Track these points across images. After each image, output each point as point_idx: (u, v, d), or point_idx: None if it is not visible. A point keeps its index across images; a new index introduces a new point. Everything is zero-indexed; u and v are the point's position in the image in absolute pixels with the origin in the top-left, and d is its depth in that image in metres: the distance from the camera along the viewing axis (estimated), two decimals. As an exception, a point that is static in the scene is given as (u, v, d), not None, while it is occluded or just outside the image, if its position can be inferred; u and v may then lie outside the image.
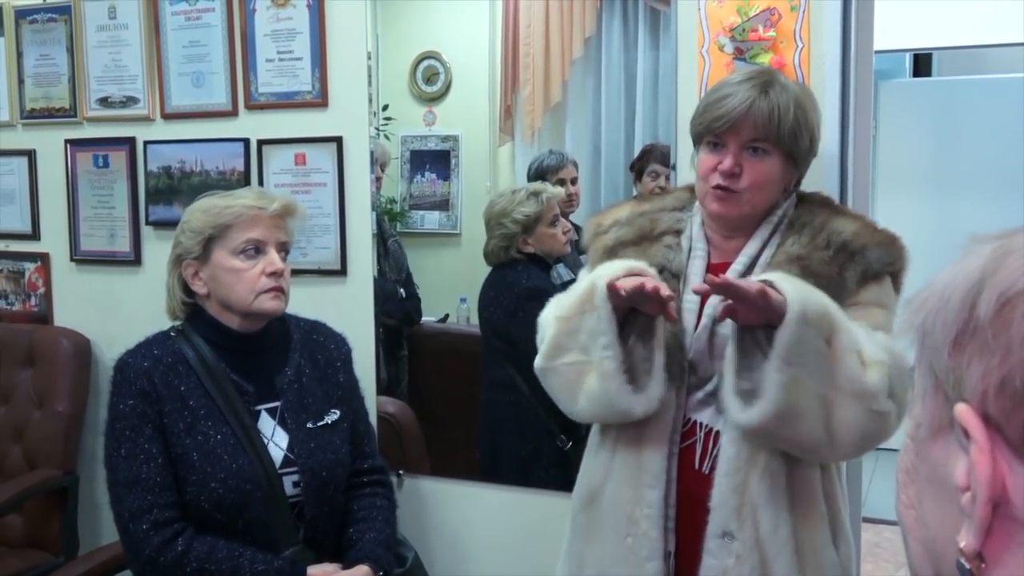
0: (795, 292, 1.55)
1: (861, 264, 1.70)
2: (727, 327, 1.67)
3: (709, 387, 1.73)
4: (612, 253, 1.82)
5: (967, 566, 0.54)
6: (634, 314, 1.70)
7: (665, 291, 1.59)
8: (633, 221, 1.85)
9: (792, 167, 1.75)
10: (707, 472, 1.71)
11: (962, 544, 0.54)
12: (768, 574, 1.66)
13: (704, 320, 1.73)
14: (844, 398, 1.57)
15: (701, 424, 1.74)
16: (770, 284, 1.56)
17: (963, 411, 0.54)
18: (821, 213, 1.77)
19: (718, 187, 1.71)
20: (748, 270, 1.74)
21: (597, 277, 1.70)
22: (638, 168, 2.57)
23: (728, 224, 1.78)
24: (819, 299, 1.57)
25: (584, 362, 1.72)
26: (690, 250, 1.80)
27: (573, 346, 1.73)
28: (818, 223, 1.74)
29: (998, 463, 0.52)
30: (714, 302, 1.70)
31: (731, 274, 1.72)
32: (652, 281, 1.63)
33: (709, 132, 1.73)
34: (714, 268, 1.76)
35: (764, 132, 1.68)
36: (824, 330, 1.55)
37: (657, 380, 1.69)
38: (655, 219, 1.85)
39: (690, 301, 1.75)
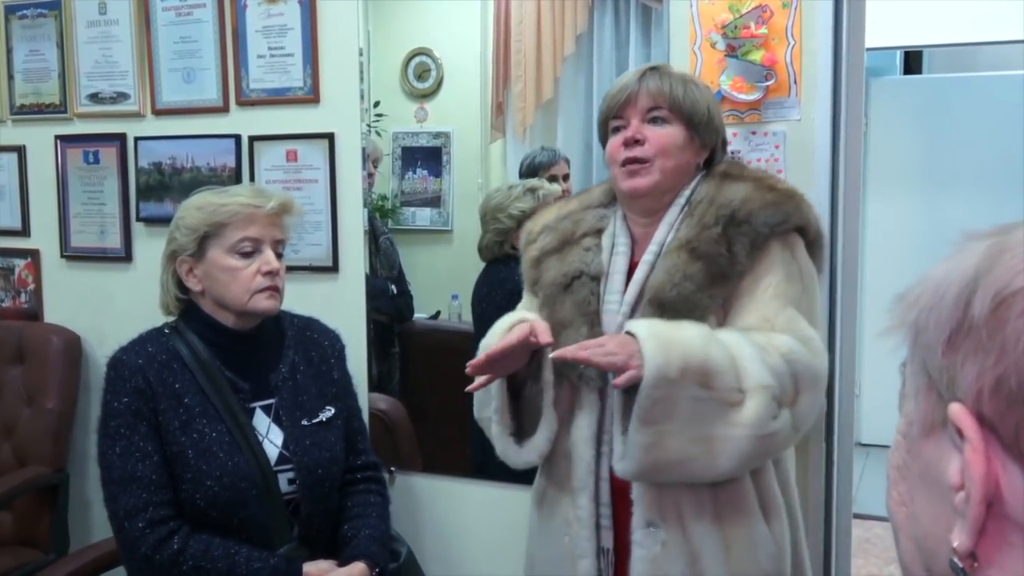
0: (654, 352, 1.56)
1: (749, 234, 1.69)
2: None
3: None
4: (537, 264, 1.87)
5: (960, 565, 0.54)
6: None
7: (517, 336, 1.69)
8: (558, 225, 1.88)
9: (696, 139, 1.77)
10: None
11: (955, 543, 0.54)
12: (696, 558, 1.69)
13: (619, 319, 1.75)
14: (726, 433, 1.60)
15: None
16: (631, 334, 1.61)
17: (957, 411, 0.54)
18: (714, 185, 1.76)
19: (627, 161, 1.75)
20: (657, 259, 1.76)
21: (484, 345, 1.80)
22: None
23: (644, 206, 1.79)
24: (685, 349, 1.58)
25: (487, 419, 1.85)
26: (613, 248, 1.82)
27: (481, 401, 1.86)
28: (709, 197, 1.74)
29: (992, 463, 0.52)
30: (629, 299, 1.75)
31: (643, 266, 1.76)
32: (516, 334, 1.70)
33: (610, 114, 1.79)
34: (635, 264, 1.79)
35: (659, 100, 1.74)
36: (696, 378, 1.58)
37: (544, 426, 1.78)
38: (578, 220, 1.87)
39: (611, 301, 1.78)
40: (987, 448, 0.52)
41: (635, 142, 1.74)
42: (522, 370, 1.79)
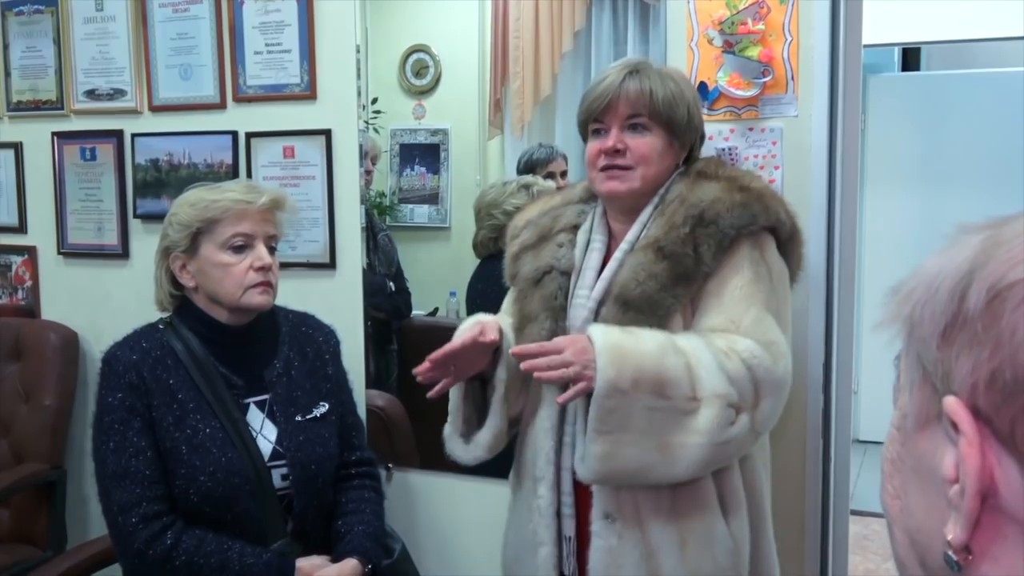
0: (606, 364, 1.58)
1: (715, 235, 1.69)
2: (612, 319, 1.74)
3: None
4: (516, 259, 1.90)
5: (954, 558, 0.54)
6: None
7: (462, 340, 1.75)
8: (539, 221, 1.91)
9: (675, 142, 1.77)
10: None
11: (949, 536, 0.54)
12: (652, 551, 1.71)
13: (586, 314, 1.77)
14: (682, 440, 1.62)
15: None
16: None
17: (952, 404, 0.53)
18: (687, 185, 1.76)
19: (606, 167, 1.76)
20: (627, 255, 1.77)
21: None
22: None
23: (623, 205, 1.81)
24: (639, 360, 1.59)
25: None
26: (588, 243, 1.83)
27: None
28: (680, 197, 1.74)
29: (987, 456, 0.52)
30: (596, 295, 1.77)
31: (613, 263, 1.77)
32: (462, 337, 1.76)
33: (590, 117, 1.79)
34: (608, 262, 1.80)
35: (638, 107, 1.74)
36: (650, 388, 1.59)
37: (489, 422, 1.83)
38: (557, 216, 1.89)
39: (580, 296, 1.80)
40: (982, 441, 0.52)
41: (616, 151, 1.75)
42: (487, 369, 1.83)
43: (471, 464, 1.89)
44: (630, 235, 1.78)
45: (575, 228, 1.86)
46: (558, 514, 1.81)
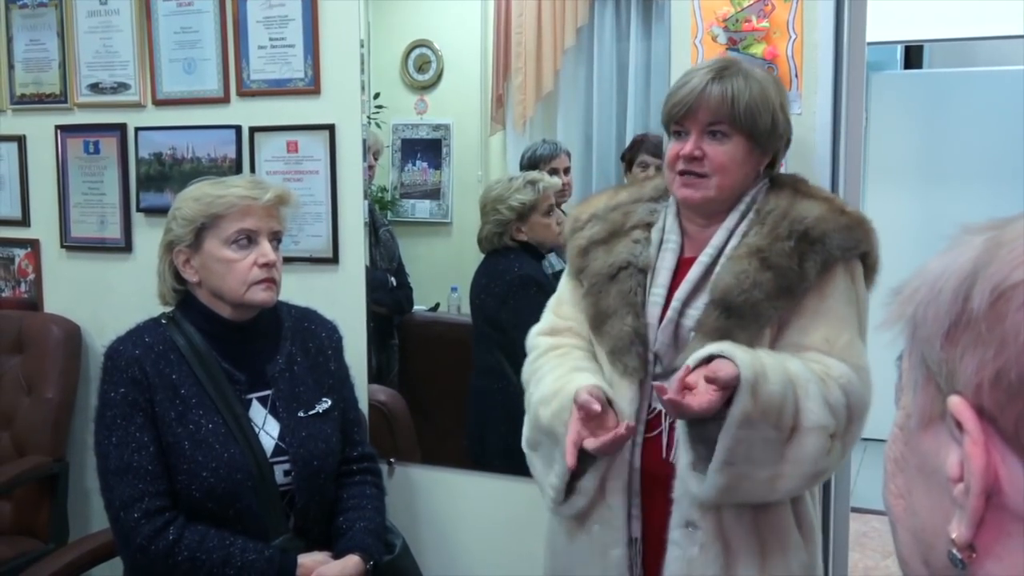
0: (748, 395, 1.54)
1: (821, 253, 1.69)
2: (691, 319, 1.72)
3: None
4: (584, 253, 1.86)
5: (959, 556, 0.54)
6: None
7: (621, 431, 1.64)
8: (607, 216, 1.87)
9: (757, 150, 1.75)
10: (673, 461, 1.73)
11: (954, 535, 0.54)
12: (732, 562, 1.70)
13: (670, 313, 1.75)
14: (788, 471, 1.63)
15: (665, 415, 1.75)
16: (723, 356, 1.58)
17: (957, 403, 0.54)
18: (787, 198, 1.75)
19: (683, 172, 1.74)
20: (714, 261, 1.75)
21: (563, 409, 1.73)
22: (629, 159, 2.57)
23: (699, 210, 1.79)
24: (770, 390, 1.57)
25: (534, 464, 1.85)
26: (661, 242, 1.82)
27: (537, 450, 1.84)
28: (782, 210, 1.73)
29: (991, 455, 0.52)
30: (681, 295, 1.74)
31: (698, 266, 1.75)
32: (602, 437, 1.65)
33: (671, 120, 1.76)
34: (684, 262, 1.79)
35: (720, 114, 1.71)
36: (773, 420, 1.58)
37: (592, 472, 1.75)
38: (628, 212, 1.87)
39: (656, 295, 1.78)
40: (987, 440, 0.53)
41: (693, 159, 1.72)
42: None
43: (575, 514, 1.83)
44: (716, 240, 1.76)
45: (648, 226, 1.83)
46: (627, 516, 1.78)
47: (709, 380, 1.54)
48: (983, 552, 0.54)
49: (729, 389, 1.55)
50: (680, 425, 1.66)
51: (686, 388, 1.57)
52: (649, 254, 1.80)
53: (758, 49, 2.09)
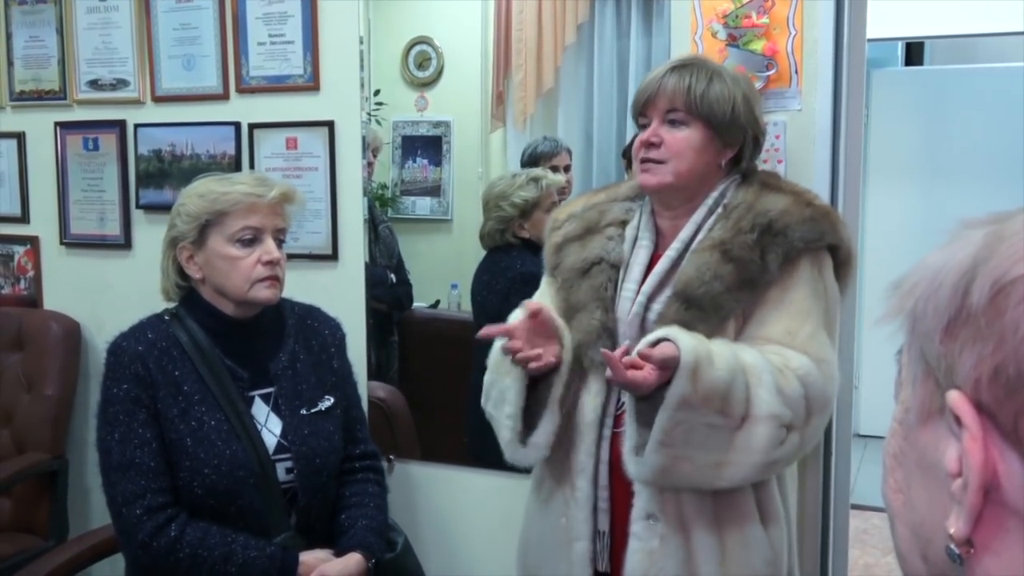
0: (686, 378, 1.56)
1: (783, 246, 1.70)
2: (655, 313, 1.74)
3: None
4: (559, 250, 1.89)
5: (956, 551, 0.54)
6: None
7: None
8: (584, 214, 1.90)
9: (716, 139, 1.76)
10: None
11: (952, 530, 0.54)
12: (692, 553, 1.71)
13: (635, 307, 1.76)
14: (734, 459, 1.63)
15: None
16: (668, 339, 1.59)
17: (956, 398, 0.54)
18: (754, 193, 1.77)
19: (644, 160, 1.77)
20: (681, 255, 1.76)
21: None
22: (629, 156, 2.57)
23: (661, 200, 1.81)
24: (713, 377, 1.58)
25: (496, 418, 1.85)
26: (636, 239, 1.83)
27: (493, 399, 1.86)
28: (747, 204, 1.74)
29: (990, 451, 0.52)
30: (647, 289, 1.76)
31: (664, 260, 1.77)
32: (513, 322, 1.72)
33: (636, 112, 1.81)
34: (657, 258, 1.80)
35: (676, 102, 1.74)
36: (716, 407, 1.59)
37: (547, 422, 1.77)
38: (604, 211, 1.89)
39: (628, 290, 1.79)
40: (985, 436, 0.52)
41: (651, 144, 1.76)
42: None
43: (530, 466, 1.87)
44: (684, 234, 1.77)
45: (623, 224, 1.86)
46: (594, 509, 1.80)
47: (643, 357, 1.56)
48: (981, 548, 0.53)
49: (668, 370, 1.57)
50: (628, 410, 1.67)
51: (633, 367, 1.59)
52: (622, 250, 1.82)
53: (758, 45, 2.08)
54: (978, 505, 0.53)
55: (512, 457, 1.83)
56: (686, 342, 1.58)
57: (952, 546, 0.54)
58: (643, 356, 1.57)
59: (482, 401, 1.89)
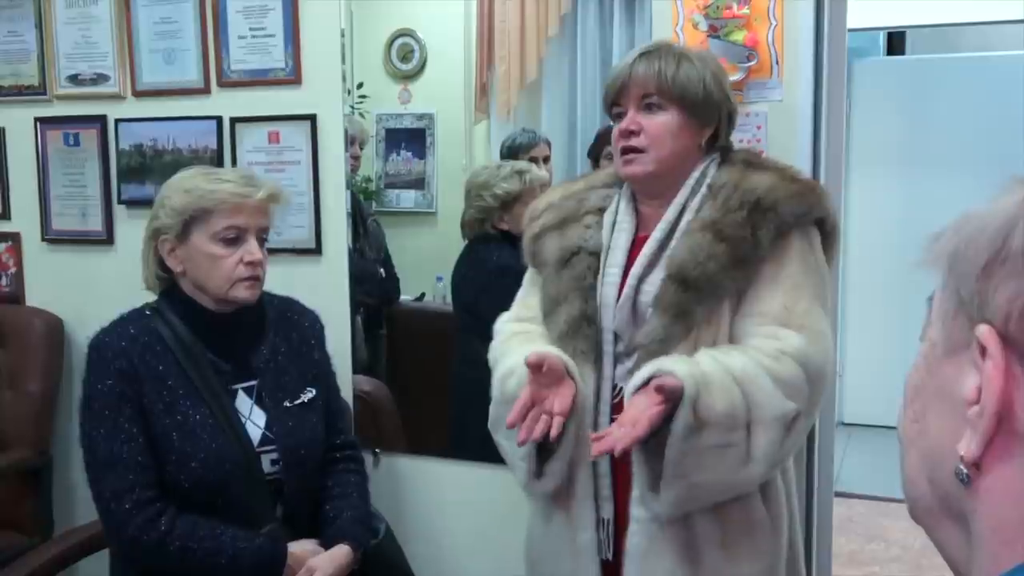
0: (689, 409, 1.56)
1: (774, 221, 1.71)
2: (648, 295, 1.73)
3: (633, 360, 1.75)
4: (537, 239, 1.89)
5: (965, 471, 0.59)
6: None
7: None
8: (562, 204, 1.90)
9: (693, 120, 1.77)
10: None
11: (963, 452, 0.59)
12: (692, 535, 1.71)
13: (626, 290, 1.76)
14: (746, 473, 1.65)
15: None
16: (669, 373, 1.57)
17: (985, 330, 0.58)
18: (738, 172, 1.77)
19: (624, 150, 1.77)
20: (668, 237, 1.76)
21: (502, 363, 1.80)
22: (595, 154, 2.56)
23: (645, 188, 1.81)
24: (711, 401, 1.58)
25: (503, 446, 1.84)
26: (615, 224, 1.83)
27: (499, 431, 1.82)
28: (733, 183, 1.75)
29: (1009, 380, 0.57)
30: (637, 272, 1.75)
31: (652, 242, 1.77)
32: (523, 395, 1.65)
33: (610, 103, 1.81)
34: (639, 241, 1.80)
35: (649, 87, 1.75)
36: (723, 426, 1.60)
37: (560, 455, 1.74)
38: (583, 199, 1.89)
39: (611, 275, 1.79)
40: (1008, 366, 0.58)
41: (630, 133, 1.76)
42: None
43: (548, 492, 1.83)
44: (668, 215, 1.77)
45: (601, 211, 1.86)
46: (596, 497, 1.79)
47: (657, 390, 1.54)
48: (986, 470, 0.59)
49: (673, 400, 1.56)
50: (634, 451, 1.64)
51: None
52: (600, 237, 1.82)
53: (739, 36, 2.09)
54: (991, 430, 0.58)
55: (529, 490, 1.84)
56: (683, 371, 1.58)
57: (961, 466, 0.60)
58: (657, 389, 1.54)
59: (489, 425, 1.86)
